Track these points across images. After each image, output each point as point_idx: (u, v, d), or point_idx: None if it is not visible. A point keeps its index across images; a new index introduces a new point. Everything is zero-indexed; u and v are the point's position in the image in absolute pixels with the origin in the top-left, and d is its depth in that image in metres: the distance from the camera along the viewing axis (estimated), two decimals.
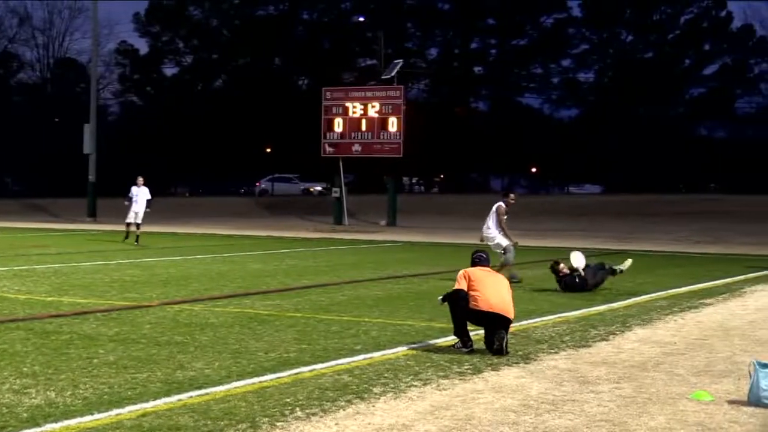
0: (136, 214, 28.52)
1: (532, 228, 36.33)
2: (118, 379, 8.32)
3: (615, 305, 14.27)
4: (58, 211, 52.86)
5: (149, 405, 7.39)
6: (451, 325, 10.13)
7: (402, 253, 26.66)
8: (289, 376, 8.58)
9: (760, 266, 22.17)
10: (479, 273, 10.04)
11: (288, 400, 7.63)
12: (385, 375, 8.70)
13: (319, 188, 70.90)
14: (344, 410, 7.35)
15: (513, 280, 16.86)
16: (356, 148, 42.60)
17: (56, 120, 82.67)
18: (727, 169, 78.54)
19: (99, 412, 7.16)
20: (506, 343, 9.78)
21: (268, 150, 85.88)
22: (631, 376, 8.89)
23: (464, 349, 9.87)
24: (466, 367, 9.10)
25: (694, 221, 44.03)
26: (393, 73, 43.23)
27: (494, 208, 17.58)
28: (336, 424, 6.95)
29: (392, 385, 8.25)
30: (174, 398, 7.64)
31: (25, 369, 8.74)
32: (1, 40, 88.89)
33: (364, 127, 42.23)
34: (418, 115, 60.85)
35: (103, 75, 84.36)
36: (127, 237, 28.54)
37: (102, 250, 25.85)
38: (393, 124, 41.53)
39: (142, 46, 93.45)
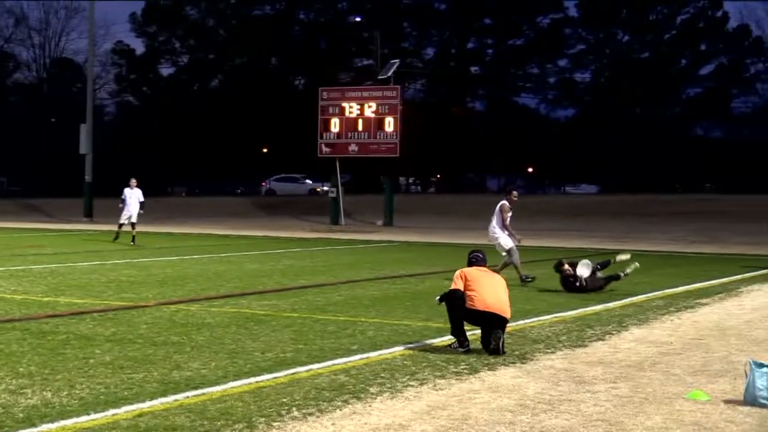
0: (130, 215, 28.55)
1: (528, 228, 36.25)
2: (115, 379, 8.31)
3: (611, 305, 14.28)
4: (54, 212, 52.82)
5: (146, 405, 7.39)
6: (448, 325, 10.13)
7: (399, 253, 26.66)
8: (286, 376, 8.58)
9: (756, 266, 22.20)
10: (476, 273, 10.04)
11: (285, 400, 7.63)
12: (382, 375, 8.70)
13: (326, 188, 70.05)
14: (341, 410, 7.35)
15: (527, 281, 16.87)
16: (353, 148, 42.59)
17: (53, 120, 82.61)
18: (724, 169, 78.56)
19: (95, 412, 7.16)
20: (503, 342, 9.79)
21: (265, 150, 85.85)
22: (628, 375, 8.89)
23: (461, 349, 9.88)
24: (462, 367, 9.10)
25: (690, 221, 44.06)
26: (389, 73, 43.22)
27: (498, 207, 17.56)
28: (332, 424, 6.95)
29: (389, 385, 8.25)
30: (170, 398, 7.64)
31: (21, 369, 8.73)
32: None
33: (360, 127, 42.22)
34: (415, 115, 60.85)
35: (99, 75, 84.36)
36: (116, 238, 28.54)
37: (98, 250, 25.83)
38: (390, 124, 41.53)
39: (139, 46, 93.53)
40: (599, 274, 16.05)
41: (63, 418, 6.95)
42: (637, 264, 16.60)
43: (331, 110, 42.95)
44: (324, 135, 43.19)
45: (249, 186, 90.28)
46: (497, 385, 8.34)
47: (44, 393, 7.77)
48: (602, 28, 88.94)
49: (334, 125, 42.73)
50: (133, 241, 27.76)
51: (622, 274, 16.12)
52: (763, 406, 7.59)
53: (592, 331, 11.58)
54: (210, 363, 9.14)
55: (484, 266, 10.29)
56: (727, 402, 7.82)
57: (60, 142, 73.81)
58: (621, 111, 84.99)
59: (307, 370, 8.84)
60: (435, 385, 8.29)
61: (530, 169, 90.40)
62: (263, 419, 7.02)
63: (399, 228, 40.97)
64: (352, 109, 42.37)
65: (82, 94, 55.11)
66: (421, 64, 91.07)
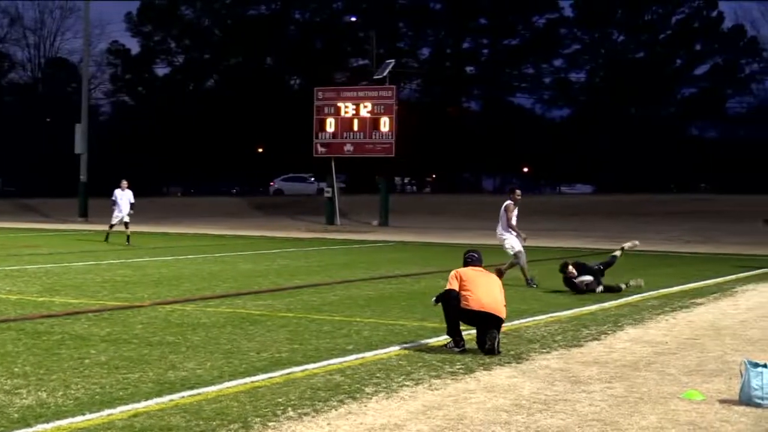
0: (122, 216, 28.56)
1: (524, 228, 36.01)
2: (110, 380, 8.30)
3: (607, 305, 14.29)
4: (49, 211, 52.75)
5: (141, 405, 7.38)
6: (444, 325, 10.14)
7: (394, 253, 26.67)
8: (281, 376, 8.58)
9: (750, 266, 22.24)
10: (471, 273, 10.05)
11: (280, 400, 7.63)
12: (377, 375, 8.70)
13: None
14: (336, 410, 7.34)
15: (531, 284, 16.85)
16: (348, 148, 42.60)
17: (47, 120, 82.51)
18: (719, 169, 78.69)
19: (90, 412, 7.15)
20: (498, 342, 9.79)
21: (260, 150, 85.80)
22: (623, 375, 8.90)
23: (456, 349, 9.88)
24: (458, 367, 9.10)
25: (685, 221, 44.12)
26: (385, 73, 43.24)
27: (502, 209, 17.52)
28: (328, 424, 6.95)
29: (384, 385, 8.25)
30: (166, 398, 7.63)
31: (16, 369, 8.72)
32: None
33: (356, 127, 42.24)
34: (410, 115, 60.89)
35: (94, 75, 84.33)
36: (107, 239, 28.53)
37: (93, 250, 25.81)
38: (385, 124, 41.55)
39: (134, 45, 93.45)
40: (602, 281, 15.95)
41: (58, 419, 6.94)
42: (642, 282, 16.40)
43: (326, 110, 42.96)
44: (319, 135, 43.20)
45: (245, 186, 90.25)
46: (493, 385, 8.35)
47: (39, 393, 7.76)
48: (597, 28, 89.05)
49: (330, 125, 42.74)
50: (127, 241, 27.74)
51: (623, 285, 16.03)
52: (758, 405, 7.60)
53: (588, 331, 11.59)
54: (205, 363, 9.13)
55: (480, 266, 10.29)
56: (722, 401, 7.83)
57: (55, 142, 73.78)
58: (616, 111, 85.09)
59: (303, 370, 8.84)
60: (430, 385, 8.30)
61: (525, 169, 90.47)
62: (259, 419, 7.02)
63: (394, 228, 40.97)
64: (347, 108, 42.39)
65: (78, 94, 55.13)
66: (417, 64, 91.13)
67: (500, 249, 17.74)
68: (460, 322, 9.94)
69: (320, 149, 43.37)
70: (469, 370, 8.96)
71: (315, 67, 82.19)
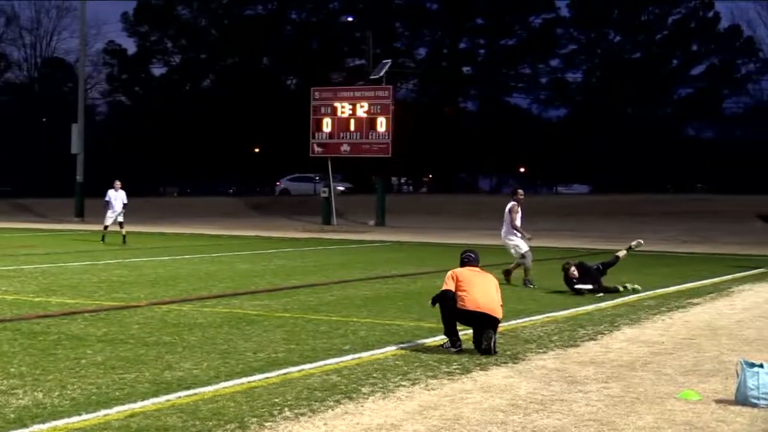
0: (115, 216, 28.57)
1: (523, 227, 36.32)
2: (106, 380, 8.30)
3: (603, 305, 14.30)
4: (45, 212, 52.70)
5: (137, 405, 7.38)
6: (440, 325, 10.16)
7: (391, 253, 26.67)
8: (278, 376, 8.58)
9: (747, 266, 22.27)
10: (467, 273, 10.05)
11: (277, 400, 7.63)
12: (374, 375, 8.70)
13: (341, 188, 68.60)
14: (333, 410, 7.35)
15: (528, 285, 16.85)
16: (345, 148, 42.59)
17: (44, 120, 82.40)
18: (715, 169, 78.69)
19: (87, 412, 7.14)
20: (494, 342, 9.80)
21: (257, 150, 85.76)
22: (619, 375, 8.91)
23: (453, 349, 9.88)
24: (454, 367, 9.11)
25: (681, 221, 44.15)
26: (381, 73, 43.24)
27: (507, 210, 17.49)
28: (325, 424, 6.95)
29: (381, 385, 8.25)
30: (162, 398, 7.63)
31: (12, 370, 8.71)
32: None
33: (352, 127, 42.24)
34: (407, 115, 60.81)
35: (90, 75, 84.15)
36: (103, 239, 28.52)
37: (90, 250, 25.78)
38: (382, 124, 41.55)
39: (130, 45, 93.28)
40: (602, 281, 15.94)
41: (54, 419, 6.93)
42: (638, 287, 16.33)
43: (323, 110, 42.95)
44: (316, 135, 43.19)
45: (241, 186, 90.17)
46: (489, 385, 8.35)
47: (35, 393, 7.75)
48: (594, 29, 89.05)
49: (326, 125, 42.73)
50: (123, 241, 27.74)
51: (620, 288, 16.00)
52: (754, 405, 7.61)
53: (584, 331, 11.60)
54: (202, 363, 9.13)
55: (477, 266, 10.30)
56: (719, 401, 7.84)
57: (51, 142, 73.63)
58: (612, 111, 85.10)
59: (299, 371, 8.83)
60: (427, 385, 8.30)
61: (522, 169, 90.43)
62: (255, 419, 7.02)
63: (391, 228, 40.97)
64: (344, 109, 42.38)
65: (74, 94, 54.97)
66: (413, 64, 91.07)
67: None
68: (457, 323, 9.94)
69: (317, 149, 43.36)
70: (466, 370, 8.96)
71: (312, 67, 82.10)
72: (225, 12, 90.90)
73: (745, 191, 57.95)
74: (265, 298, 14.53)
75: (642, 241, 17.79)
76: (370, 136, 41.84)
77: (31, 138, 79.64)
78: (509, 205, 17.44)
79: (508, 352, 9.93)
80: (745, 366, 7.74)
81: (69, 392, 7.81)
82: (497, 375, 8.83)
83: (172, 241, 30.70)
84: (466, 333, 10.12)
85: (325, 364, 9.14)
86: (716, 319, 13.00)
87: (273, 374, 8.63)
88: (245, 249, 27.02)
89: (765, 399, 7.63)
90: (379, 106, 41.75)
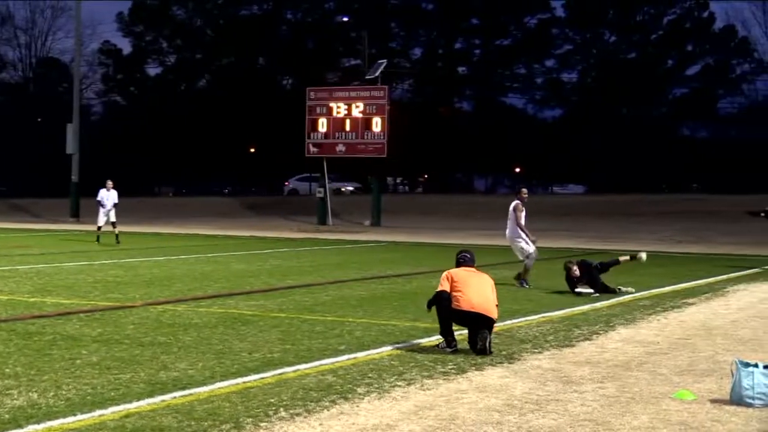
0: (108, 216, 28.60)
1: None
2: (101, 380, 8.29)
3: (598, 305, 14.32)
4: (40, 212, 52.63)
5: (132, 406, 7.37)
6: (436, 325, 10.16)
7: (386, 253, 26.67)
8: (273, 376, 8.57)
9: (742, 266, 22.30)
10: (463, 273, 10.05)
11: (272, 400, 7.63)
12: (369, 375, 8.70)
13: (351, 188, 68.28)
14: (328, 410, 7.34)
15: (523, 284, 16.83)
16: (340, 148, 42.59)
17: (39, 120, 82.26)
18: (710, 169, 78.79)
19: (82, 413, 7.13)
20: (489, 342, 9.80)
21: (252, 150, 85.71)
22: (615, 375, 8.92)
23: (448, 349, 9.89)
24: (450, 367, 9.11)
25: (677, 221, 44.19)
26: (377, 73, 43.23)
27: (511, 209, 17.44)
28: (320, 424, 6.95)
29: (376, 385, 8.25)
30: (157, 399, 7.62)
31: (7, 370, 8.70)
32: None
33: (348, 127, 42.23)
34: (402, 115, 60.79)
35: (86, 75, 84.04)
36: (98, 239, 28.51)
37: (85, 250, 25.76)
38: (377, 124, 41.55)
39: (126, 45, 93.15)
40: (601, 278, 15.95)
41: (49, 419, 6.92)
42: (632, 290, 16.28)
43: (318, 110, 42.94)
44: (311, 135, 43.19)
45: (237, 186, 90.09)
46: (485, 385, 8.35)
47: (30, 394, 7.74)
48: (589, 29, 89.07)
49: (322, 125, 42.73)
50: (116, 240, 27.77)
51: (617, 289, 15.99)
52: (748, 405, 7.62)
53: (580, 331, 11.61)
54: (197, 363, 9.12)
55: (472, 266, 10.30)
56: (714, 401, 7.85)
57: (46, 142, 73.46)
58: (608, 111, 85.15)
59: (295, 371, 8.83)
60: (422, 385, 8.30)
61: (517, 170, 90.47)
62: (250, 420, 7.01)
63: (386, 228, 40.97)
64: (339, 109, 42.38)
65: (69, 94, 54.97)
66: (409, 64, 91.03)
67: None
68: (452, 323, 9.95)
69: (312, 149, 43.35)
70: (461, 371, 8.96)
71: (307, 67, 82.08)
72: (220, 12, 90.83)
73: (740, 191, 58.02)
74: (260, 299, 14.52)
75: (644, 258, 17.44)
76: (365, 137, 41.85)
77: (27, 138, 79.51)
78: (513, 204, 17.38)
79: (504, 352, 9.94)
80: (740, 366, 7.75)
81: (64, 392, 7.80)
82: (493, 375, 8.84)
83: (167, 241, 30.68)
84: (461, 333, 10.12)
85: (321, 365, 9.14)
86: (711, 319, 13.01)
87: (268, 374, 8.63)
88: (240, 249, 27.01)
89: (760, 399, 7.64)
90: (374, 106, 41.75)
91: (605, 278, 15.99)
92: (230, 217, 50.63)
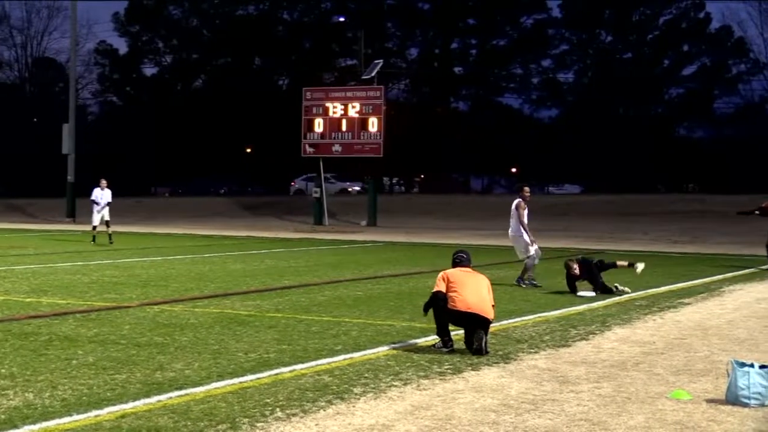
0: (102, 215, 28.64)
1: None
2: (98, 380, 8.28)
3: (594, 305, 14.32)
4: (36, 212, 52.56)
5: (129, 406, 7.37)
6: (432, 325, 10.17)
7: (382, 254, 26.66)
8: (269, 376, 8.57)
9: (738, 266, 22.32)
10: (459, 274, 10.06)
11: (268, 400, 7.63)
12: (366, 375, 8.70)
13: (357, 188, 67.78)
14: (324, 410, 7.34)
15: (521, 284, 16.83)
16: (336, 148, 42.59)
17: (35, 120, 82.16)
18: (706, 169, 78.93)
19: (78, 413, 7.13)
20: (486, 343, 9.80)
21: (249, 150, 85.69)
22: (611, 375, 8.92)
23: (444, 349, 9.89)
24: (446, 367, 9.11)
25: (673, 221, 44.24)
26: (373, 73, 43.24)
27: (513, 207, 17.39)
28: (316, 424, 6.95)
29: (372, 386, 8.25)
30: (154, 399, 7.62)
31: (3, 370, 8.69)
32: None
33: (344, 127, 42.23)
34: (399, 115, 60.89)
35: (82, 75, 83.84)
36: (94, 240, 28.51)
37: (81, 250, 25.73)
38: (373, 124, 41.55)
39: (122, 45, 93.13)
40: (601, 276, 15.95)
41: (45, 420, 6.92)
42: (629, 290, 16.25)
43: (314, 110, 42.94)
44: (308, 135, 43.18)
45: (233, 186, 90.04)
46: (481, 385, 8.36)
47: (26, 394, 7.73)
48: (585, 29, 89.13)
49: (318, 125, 42.72)
50: (110, 240, 27.79)
51: (614, 288, 15.99)
52: (744, 405, 7.63)
53: (576, 331, 11.62)
54: (193, 363, 9.12)
55: (469, 267, 10.31)
56: (709, 401, 7.86)
57: (42, 142, 73.43)
58: (604, 111, 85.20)
59: (291, 371, 8.83)
60: (419, 385, 8.30)
61: (514, 170, 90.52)
62: (247, 420, 7.01)
63: (383, 228, 40.97)
64: (335, 109, 42.37)
65: (65, 94, 54.88)
66: (405, 64, 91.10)
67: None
68: (449, 323, 9.96)
69: (308, 149, 43.35)
70: (458, 371, 8.97)
71: (303, 67, 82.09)
72: (216, 12, 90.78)
73: (736, 191, 58.08)
74: (256, 299, 14.52)
75: (640, 270, 17.30)
76: (361, 137, 41.85)
77: (22, 138, 79.42)
78: (516, 202, 17.33)
79: (500, 352, 9.94)
80: (735, 366, 7.76)
81: (60, 393, 7.79)
82: (489, 375, 8.84)
83: (163, 242, 30.66)
84: (458, 333, 10.13)
85: (317, 365, 9.14)
86: (707, 318, 13.03)
87: (264, 375, 8.63)
88: (237, 249, 27.00)
89: (755, 399, 7.66)
90: (370, 106, 41.75)
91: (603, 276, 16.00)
92: (226, 218, 50.61)
